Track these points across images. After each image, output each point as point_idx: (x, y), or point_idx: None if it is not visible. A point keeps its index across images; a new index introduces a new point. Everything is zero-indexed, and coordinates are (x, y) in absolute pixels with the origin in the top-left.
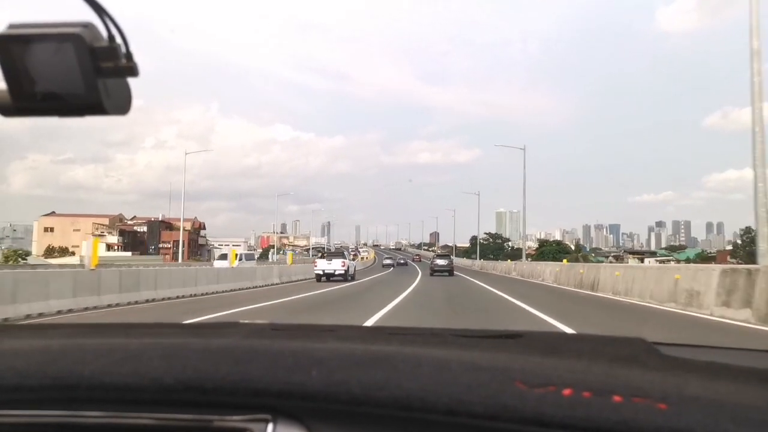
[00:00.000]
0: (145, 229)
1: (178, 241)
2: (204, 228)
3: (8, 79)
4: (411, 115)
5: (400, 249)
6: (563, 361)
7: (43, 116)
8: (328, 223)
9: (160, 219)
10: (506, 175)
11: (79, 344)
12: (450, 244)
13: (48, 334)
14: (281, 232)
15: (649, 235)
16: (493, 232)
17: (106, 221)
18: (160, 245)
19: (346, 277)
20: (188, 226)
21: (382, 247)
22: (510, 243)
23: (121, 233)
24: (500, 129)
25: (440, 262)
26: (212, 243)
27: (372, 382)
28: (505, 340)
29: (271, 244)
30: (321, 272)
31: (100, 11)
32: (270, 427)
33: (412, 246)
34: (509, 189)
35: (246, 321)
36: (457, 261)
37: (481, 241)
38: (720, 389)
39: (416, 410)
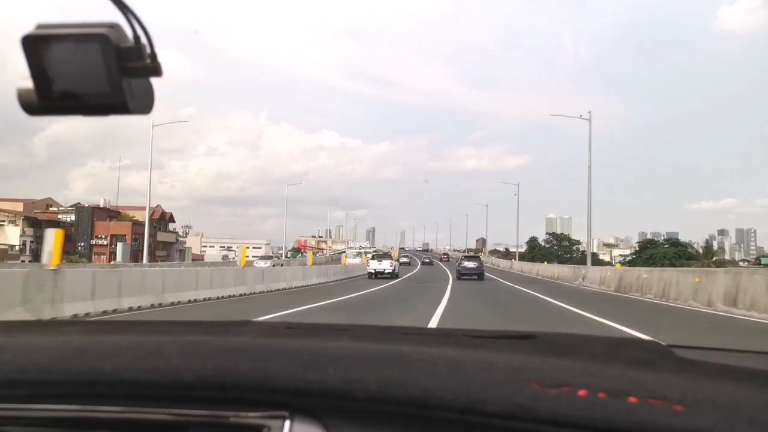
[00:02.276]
0: (76, 218)
1: (119, 236)
2: (173, 220)
3: (35, 78)
4: (458, 121)
5: (427, 250)
6: (578, 362)
7: (68, 115)
8: (373, 228)
9: (100, 206)
10: (556, 180)
11: (99, 340)
12: (500, 248)
13: (68, 330)
14: (320, 237)
15: (709, 244)
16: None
17: (19, 207)
18: (93, 241)
19: (393, 275)
20: (140, 216)
21: (407, 249)
22: (580, 246)
23: (34, 224)
24: (549, 134)
25: (468, 264)
26: (186, 241)
27: (389, 380)
28: (520, 340)
29: (305, 247)
30: (372, 271)
31: (126, 11)
32: (287, 424)
33: (455, 251)
34: (560, 194)
35: (260, 320)
36: (521, 266)
37: (542, 243)
38: (736, 392)
39: (432, 408)
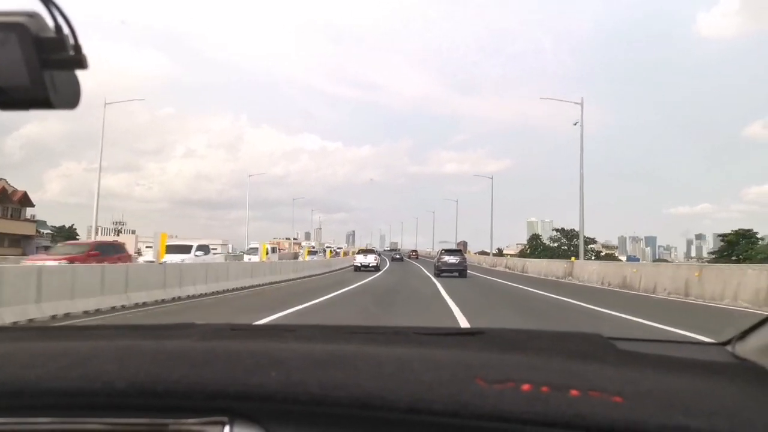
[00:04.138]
0: None
1: None
2: (29, 203)
3: None
4: (439, 125)
5: (395, 250)
6: (523, 357)
7: None
8: (353, 231)
9: None
10: (538, 184)
11: (26, 348)
12: (488, 251)
13: None
14: (294, 239)
15: (688, 248)
16: (524, 241)
17: None
18: None
19: (377, 268)
20: None
21: (374, 250)
22: (593, 246)
23: None
24: (530, 138)
25: (449, 259)
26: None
27: (331, 381)
28: (467, 337)
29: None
30: (359, 264)
31: (46, 1)
32: (227, 429)
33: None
34: (541, 199)
35: (204, 322)
36: (615, 273)
37: (549, 242)
38: (673, 382)
39: (376, 409)
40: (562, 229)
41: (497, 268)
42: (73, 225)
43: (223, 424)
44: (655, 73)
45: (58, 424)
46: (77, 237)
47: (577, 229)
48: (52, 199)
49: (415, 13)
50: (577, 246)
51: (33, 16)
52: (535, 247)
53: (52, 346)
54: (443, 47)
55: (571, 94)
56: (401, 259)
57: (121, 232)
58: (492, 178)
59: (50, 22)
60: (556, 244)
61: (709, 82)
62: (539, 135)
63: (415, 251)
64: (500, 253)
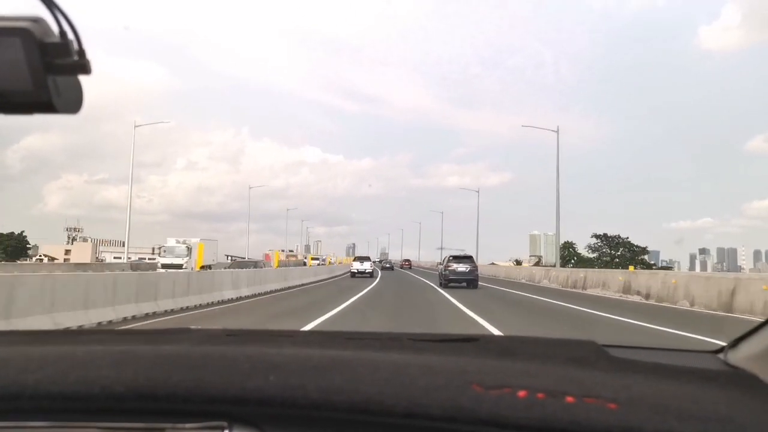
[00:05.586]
0: None
1: None
2: None
3: None
4: (440, 138)
5: (384, 259)
6: (518, 363)
7: None
8: (353, 244)
9: None
10: (538, 197)
11: (23, 352)
12: (500, 263)
13: None
14: (290, 251)
15: (692, 263)
16: (536, 253)
17: None
18: None
19: (372, 274)
20: None
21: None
22: (646, 257)
23: None
24: (531, 152)
25: (459, 267)
26: None
27: (330, 386)
28: (462, 343)
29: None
30: (355, 270)
31: (51, 5)
32: None
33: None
34: (541, 212)
35: (198, 327)
36: None
37: (586, 251)
38: (665, 388)
39: (374, 414)
40: (604, 234)
41: (575, 290)
42: (23, 232)
43: (222, 428)
44: (656, 87)
45: (55, 428)
46: (28, 245)
47: (623, 236)
48: (53, 212)
49: (414, 27)
50: (624, 256)
51: (38, 21)
52: (568, 258)
53: (49, 351)
54: (443, 61)
55: (570, 108)
56: (391, 269)
57: (75, 239)
58: (557, 130)
59: (55, 28)
60: (595, 255)
61: (710, 95)
62: (538, 150)
63: (408, 261)
64: (518, 263)
